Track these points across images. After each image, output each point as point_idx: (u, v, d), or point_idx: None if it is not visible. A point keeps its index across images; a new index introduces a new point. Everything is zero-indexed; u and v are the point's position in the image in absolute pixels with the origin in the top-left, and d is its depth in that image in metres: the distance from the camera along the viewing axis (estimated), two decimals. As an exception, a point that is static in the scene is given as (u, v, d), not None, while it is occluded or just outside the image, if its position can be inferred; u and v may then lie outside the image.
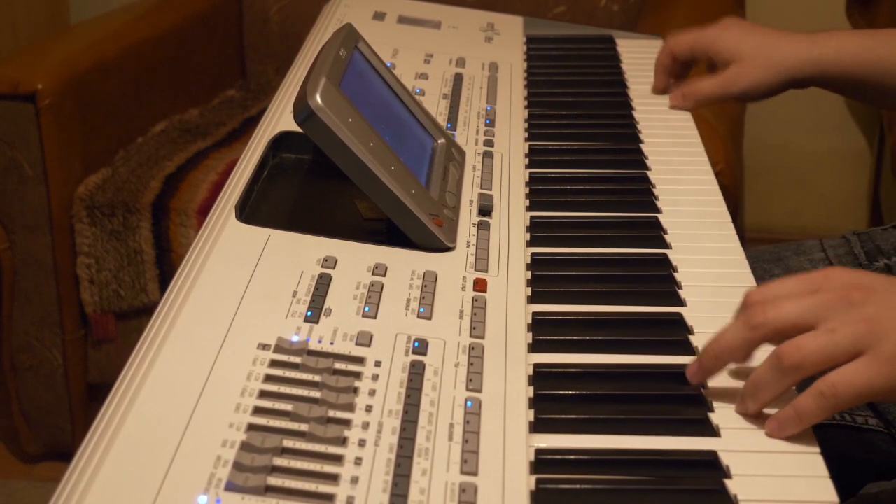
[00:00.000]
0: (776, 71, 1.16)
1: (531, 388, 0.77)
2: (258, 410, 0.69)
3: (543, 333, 0.84)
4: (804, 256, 1.14)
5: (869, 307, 0.72)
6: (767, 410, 0.74)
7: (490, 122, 1.17)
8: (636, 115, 1.23)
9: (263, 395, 0.70)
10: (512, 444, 0.70)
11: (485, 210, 0.98)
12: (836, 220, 2.48)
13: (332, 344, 0.76)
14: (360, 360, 0.74)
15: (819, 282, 0.74)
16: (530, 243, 0.97)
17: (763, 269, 1.12)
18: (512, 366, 0.77)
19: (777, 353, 0.72)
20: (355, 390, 0.71)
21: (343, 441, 0.67)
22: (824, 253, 1.14)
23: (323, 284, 0.82)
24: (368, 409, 0.70)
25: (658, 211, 1.03)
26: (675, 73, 1.27)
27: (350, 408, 0.70)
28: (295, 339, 0.75)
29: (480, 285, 0.86)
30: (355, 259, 0.86)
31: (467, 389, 0.74)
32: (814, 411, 0.71)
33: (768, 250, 1.17)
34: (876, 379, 0.70)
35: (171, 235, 1.85)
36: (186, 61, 2.23)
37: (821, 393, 0.71)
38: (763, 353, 0.75)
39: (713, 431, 0.74)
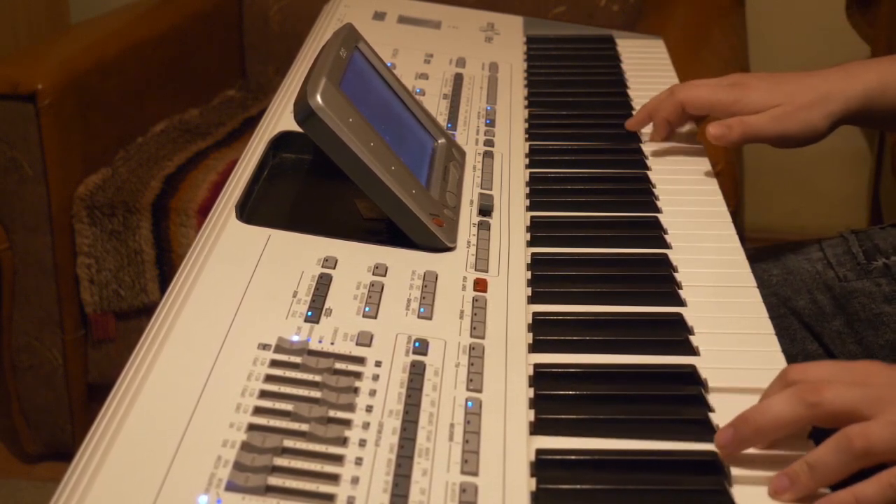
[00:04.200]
0: (825, 112, 1.05)
1: (531, 389, 0.77)
2: (259, 410, 0.69)
3: (544, 333, 0.84)
4: (803, 256, 1.14)
5: None
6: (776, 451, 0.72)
7: (490, 122, 1.17)
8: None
9: (264, 394, 0.70)
10: (512, 444, 0.70)
11: (485, 210, 0.98)
12: (835, 219, 2.47)
13: (332, 344, 0.76)
14: (360, 360, 0.74)
15: (860, 375, 0.72)
16: (530, 243, 0.96)
17: (763, 269, 1.12)
18: (512, 366, 0.77)
19: (846, 434, 0.68)
20: (356, 390, 0.71)
21: (343, 441, 0.67)
22: (822, 253, 1.14)
23: (323, 284, 0.82)
24: (369, 409, 0.70)
25: (658, 211, 1.03)
26: (677, 125, 1.16)
27: (350, 408, 0.70)
28: (295, 338, 0.75)
29: (481, 285, 0.86)
30: (355, 259, 0.86)
31: (468, 389, 0.74)
32: (877, 502, 0.67)
33: (768, 250, 1.17)
34: None
35: (171, 235, 1.85)
36: (186, 61, 2.23)
37: (891, 485, 0.67)
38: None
39: (714, 432, 0.73)
